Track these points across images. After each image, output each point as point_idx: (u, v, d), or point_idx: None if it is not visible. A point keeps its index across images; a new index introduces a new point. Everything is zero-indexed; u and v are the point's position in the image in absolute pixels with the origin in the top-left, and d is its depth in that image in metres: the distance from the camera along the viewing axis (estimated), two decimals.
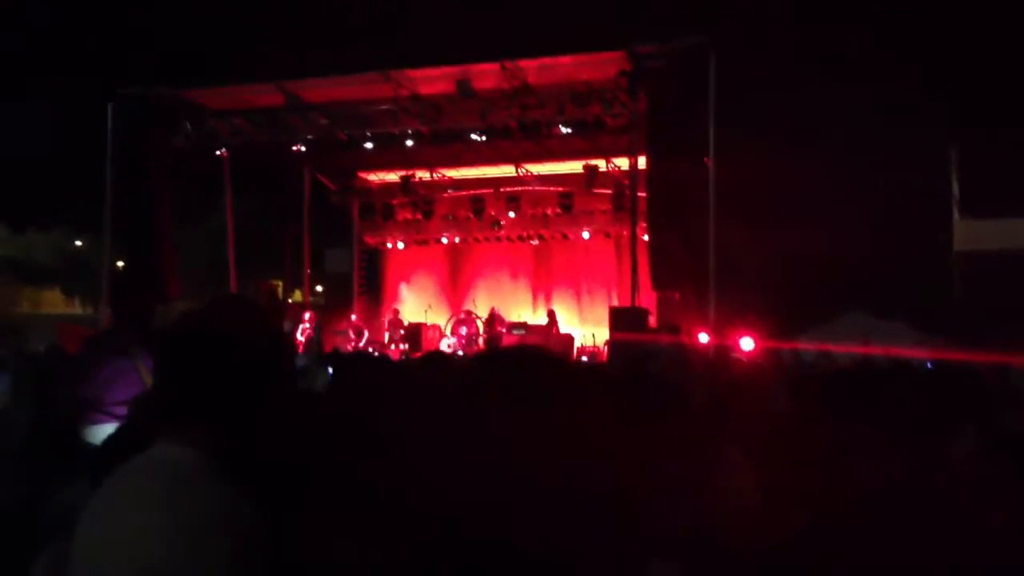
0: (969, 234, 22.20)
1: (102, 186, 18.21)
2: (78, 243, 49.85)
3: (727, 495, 2.26)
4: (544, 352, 1.60)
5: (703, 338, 14.47)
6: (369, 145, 18.05)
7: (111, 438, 2.28)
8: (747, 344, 13.94)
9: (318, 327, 19.09)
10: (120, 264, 20.52)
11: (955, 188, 22.61)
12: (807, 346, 13.91)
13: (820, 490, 2.12)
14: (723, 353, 13.42)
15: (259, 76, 17.88)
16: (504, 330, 19.23)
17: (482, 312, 20.21)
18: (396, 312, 21.20)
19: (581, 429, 1.41)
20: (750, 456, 2.50)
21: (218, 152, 19.18)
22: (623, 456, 1.39)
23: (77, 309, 50.25)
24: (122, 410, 2.87)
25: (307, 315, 19.57)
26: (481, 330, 19.80)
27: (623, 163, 17.97)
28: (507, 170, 20.65)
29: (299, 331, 18.82)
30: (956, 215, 22.60)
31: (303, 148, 18.72)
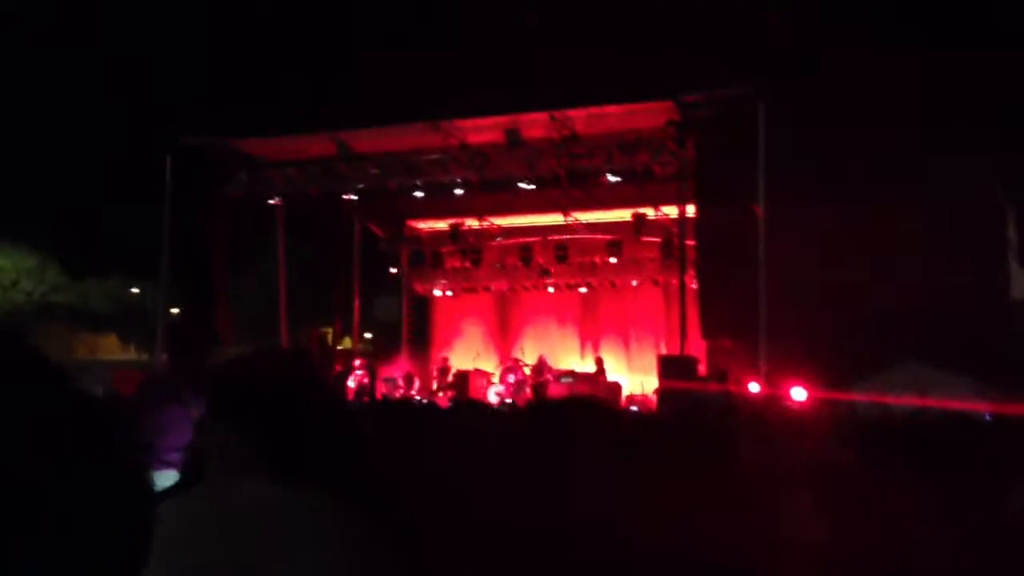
0: None
1: (158, 234, 18.60)
2: (134, 290, 50.87)
3: (785, 548, 2.22)
4: (595, 401, 1.61)
5: (754, 387, 14.29)
6: (419, 194, 18.28)
7: (176, 487, 2.30)
8: (799, 394, 13.73)
9: (372, 373, 19.18)
10: (175, 311, 20.88)
11: (1011, 236, 22.20)
12: (862, 397, 13.65)
13: (879, 543, 2.08)
14: (774, 403, 13.24)
15: (312, 127, 18.23)
16: (552, 378, 19.16)
17: (530, 360, 20.17)
18: (444, 360, 21.25)
19: (632, 479, 1.40)
20: (807, 509, 2.47)
21: (271, 201, 19.55)
22: (674, 507, 1.38)
23: (133, 355, 51.15)
24: (176, 457, 2.90)
25: (358, 362, 19.69)
26: (529, 378, 19.75)
27: (672, 211, 17.95)
28: (555, 218, 20.74)
29: (351, 378, 18.91)
30: (1013, 263, 22.16)
31: (354, 197, 19.01)
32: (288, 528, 1.62)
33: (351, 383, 18.76)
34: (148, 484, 0.87)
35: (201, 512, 1.62)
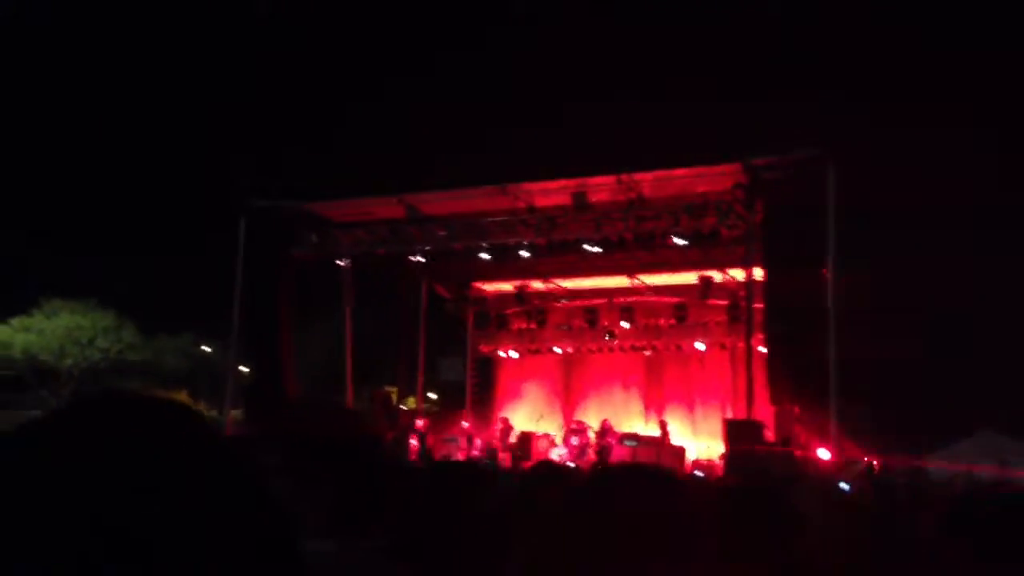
0: None
1: (228, 293, 18.99)
2: (205, 348, 51.91)
3: None
4: (657, 469, 1.60)
5: (823, 454, 13.97)
6: (485, 256, 18.41)
7: None
8: (871, 460, 13.38)
9: (421, 436, 19.18)
10: (243, 369, 21.22)
11: None
12: (936, 464, 13.26)
13: None
14: (847, 469, 12.91)
15: (380, 189, 18.56)
16: (615, 441, 18.93)
17: (593, 423, 19.99)
18: (506, 420, 21.19)
19: (693, 549, 1.39)
20: None
21: (340, 262, 19.86)
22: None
23: (203, 411, 51.94)
24: None
25: (420, 422, 19.72)
26: (592, 440, 19.55)
27: (738, 274, 17.80)
28: (621, 281, 20.69)
29: (413, 437, 18.92)
30: None
31: (421, 259, 19.23)
32: None
33: (413, 442, 18.77)
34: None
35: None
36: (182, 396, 54.91)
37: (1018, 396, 20.68)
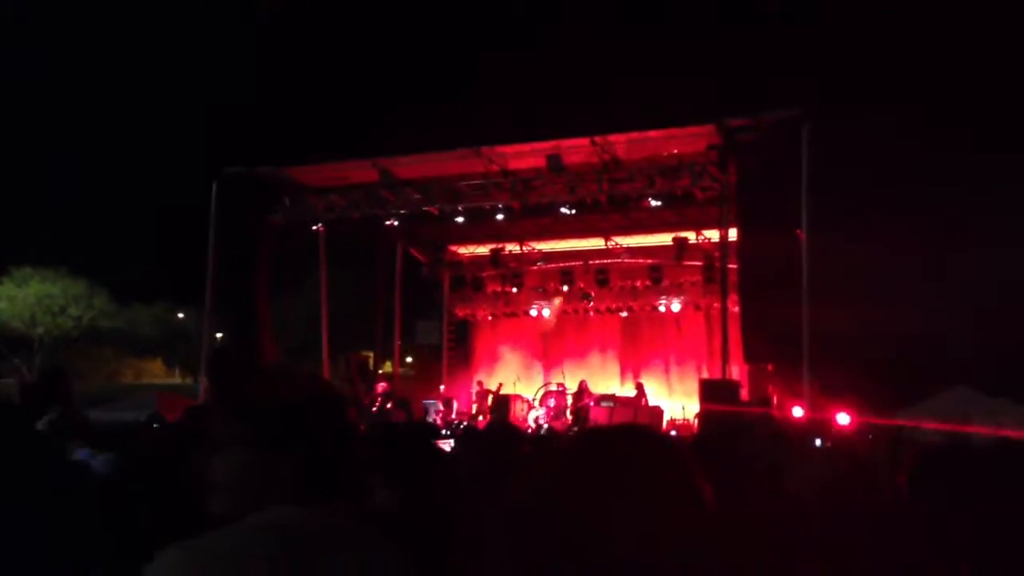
0: None
1: (203, 261, 18.86)
2: (180, 315, 51.63)
3: None
4: (648, 429, 1.60)
5: (797, 412, 14.13)
6: (460, 219, 18.37)
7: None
8: (843, 419, 13.54)
9: (397, 399, 19.18)
10: (219, 336, 21.12)
11: None
12: (909, 422, 13.44)
13: (930, 571, 2.05)
14: (819, 427, 13.07)
15: (355, 153, 18.41)
16: (592, 403, 19.06)
17: (571, 384, 20.10)
18: (482, 384, 21.26)
19: (682, 508, 1.39)
20: (859, 540, 2.44)
21: (314, 227, 19.74)
22: (728, 539, 1.37)
23: (177, 379, 51.89)
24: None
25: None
26: (570, 402, 19.67)
27: (713, 235, 17.88)
28: (596, 243, 20.73)
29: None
30: None
31: (396, 223, 19.16)
32: (342, 552, 1.65)
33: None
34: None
35: (268, 540, 1.63)
36: (156, 364, 54.74)
37: (995, 352, 21.00)
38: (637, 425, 1.49)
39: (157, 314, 52.34)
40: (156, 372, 54.25)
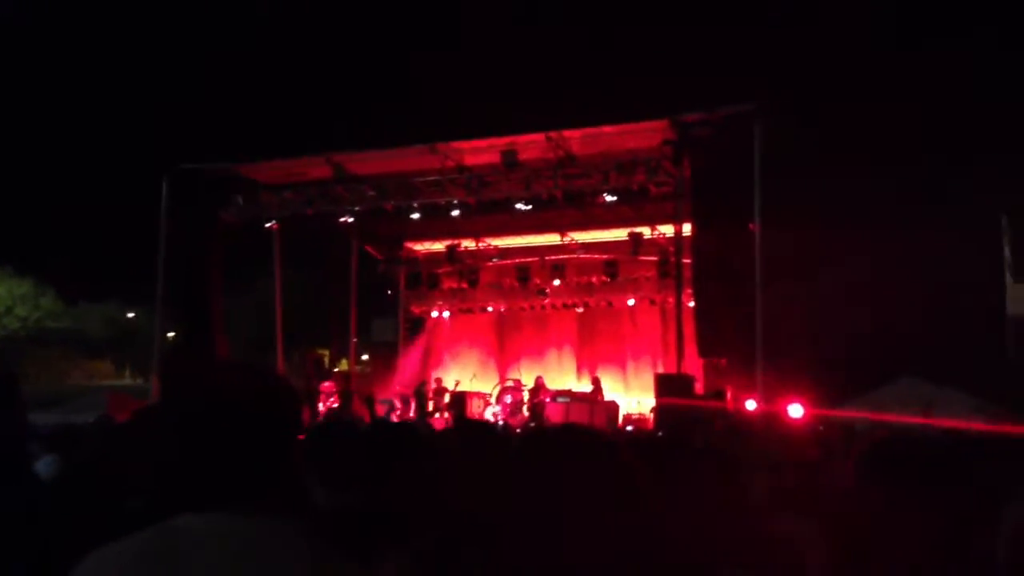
0: (1022, 298, 21.80)
1: (154, 259, 18.58)
2: (130, 315, 50.80)
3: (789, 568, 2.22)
4: (589, 430, 1.60)
5: (750, 405, 14.28)
6: (416, 216, 18.29)
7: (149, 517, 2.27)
8: (796, 411, 13.71)
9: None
10: (171, 335, 20.82)
11: (1007, 253, 22.26)
12: (859, 414, 13.64)
13: (878, 563, 2.08)
14: (772, 420, 13.21)
15: (308, 150, 18.26)
16: (548, 399, 19.11)
17: (527, 380, 20.13)
18: (440, 380, 21.22)
19: (626, 503, 1.39)
20: (810, 531, 2.46)
21: (268, 224, 19.53)
22: (677, 530, 1.38)
23: (128, 379, 51.08)
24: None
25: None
26: (526, 398, 19.70)
27: (668, 230, 17.99)
28: (552, 239, 20.78)
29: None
30: (1009, 279, 22.21)
31: (351, 219, 19.02)
32: (265, 562, 1.61)
33: (320, 406, 18.61)
34: None
35: (189, 542, 1.60)
36: (106, 365, 53.83)
37: (940, 345, 21.38)
38: (576, 426, 1.49)
39: (106, 313, 51.47)
40: (106, 373, 53.34)
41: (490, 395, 20.44)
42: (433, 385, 21.17)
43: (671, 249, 17.60)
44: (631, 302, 20.52)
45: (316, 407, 18.28)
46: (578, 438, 1.47)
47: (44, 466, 4.05)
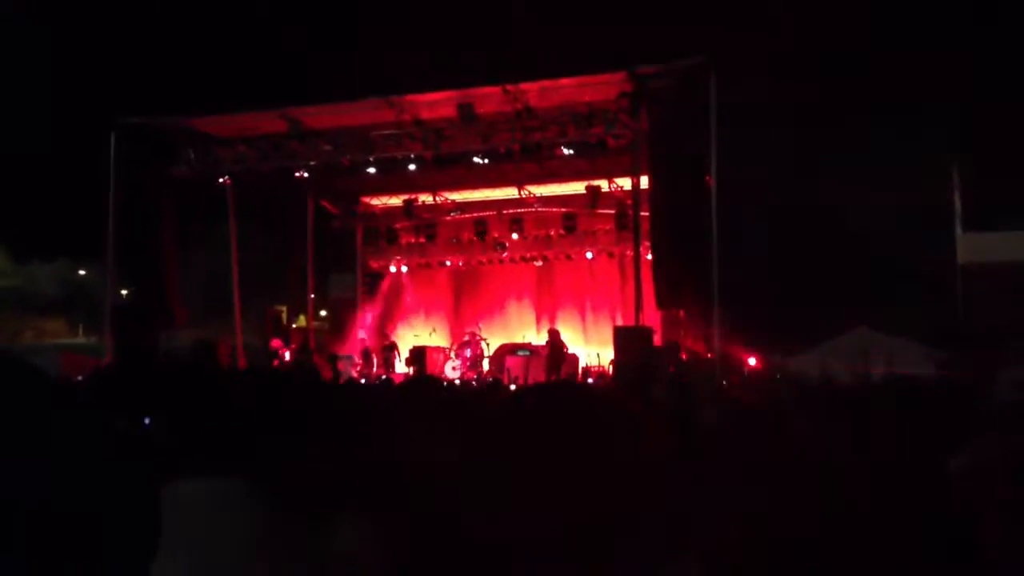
0: (972, 247, 22.24)
1: (105, 215, 18.25)
2: (81, 272, 50.00)
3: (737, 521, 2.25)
4: (577, 386, 1.59)
5: (707, 356, 14.47)
6: (372, 170, 18.11)
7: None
8: (751, 361, 13.93)
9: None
10: (124, 292, 20.53)
11: (957, 204, 22.63)
12: (812, 363, 13.86)
13: (824, 509, 2.12)
14: (728, 371, 13.40)
15: (262, 103, 17.96)
16: (508, 352, 19.17)
17: (486, 334, 20.17)
18: (399, 335, 21.18)
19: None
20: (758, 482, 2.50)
21: (221, 180, 19.22)
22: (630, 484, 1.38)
23: (81, 338, 50.39)
24: None
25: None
26: (486, 352, 19.76)
27: (626, 183, 18.02)
28: (510, 192, 20.71)
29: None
30: (959, 229, 22.61)
31: (306, 174, 18.80)
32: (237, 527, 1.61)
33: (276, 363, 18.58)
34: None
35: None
36: (59, 323, 53.06)
37: (894, 293, 21.77)
38: (567, 383, 1.48)
39: (58, 271, 50.59)
40: (59, 331, 52.52)
41: (450, 349, 20.47)
42: (393, 340, 21.15)
43: (629, 202, 17.63)
44: (590, 255, 20.56)
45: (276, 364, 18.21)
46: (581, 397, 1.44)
47: None
